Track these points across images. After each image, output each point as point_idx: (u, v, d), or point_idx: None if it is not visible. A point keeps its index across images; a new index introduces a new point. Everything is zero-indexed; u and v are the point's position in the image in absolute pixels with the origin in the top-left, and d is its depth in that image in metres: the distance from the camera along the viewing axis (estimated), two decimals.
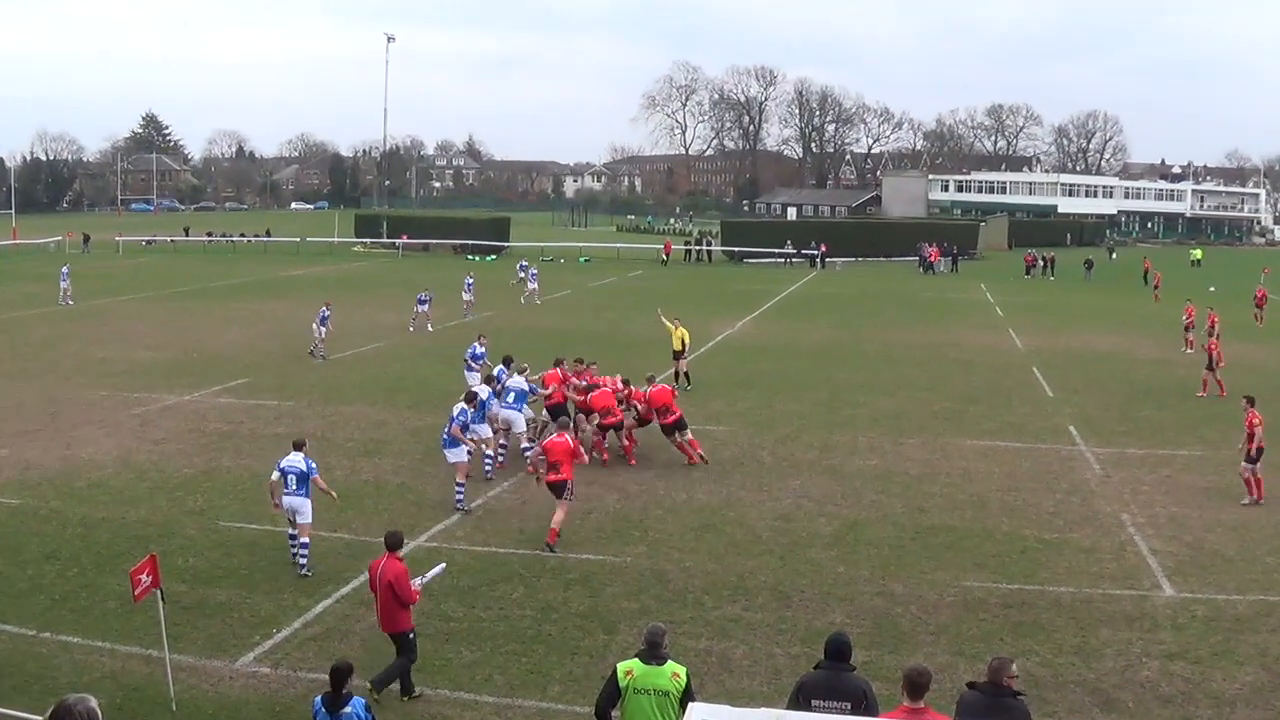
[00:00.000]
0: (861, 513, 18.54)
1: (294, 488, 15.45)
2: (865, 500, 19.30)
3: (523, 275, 55.02)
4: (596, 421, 21.16)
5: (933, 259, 76.55)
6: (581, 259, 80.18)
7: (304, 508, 15.30)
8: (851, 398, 28.74)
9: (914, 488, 20.13)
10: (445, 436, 18.35)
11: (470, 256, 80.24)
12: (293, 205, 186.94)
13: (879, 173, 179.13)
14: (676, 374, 29.47)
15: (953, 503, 19.20)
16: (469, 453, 18.36)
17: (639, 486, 19.96)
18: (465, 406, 18.73)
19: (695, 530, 17.49)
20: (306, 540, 15.38)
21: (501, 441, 21.07)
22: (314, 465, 15.67)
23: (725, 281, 65.37)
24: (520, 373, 21.65)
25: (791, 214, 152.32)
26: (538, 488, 17.58)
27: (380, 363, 33.17)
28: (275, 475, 15.59)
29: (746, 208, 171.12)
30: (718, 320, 43.95)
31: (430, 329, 40.18)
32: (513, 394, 21.03)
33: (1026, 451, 23.07)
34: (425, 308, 40.48)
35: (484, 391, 20.14)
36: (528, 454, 19.91)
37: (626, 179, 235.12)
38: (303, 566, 15.25)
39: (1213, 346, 31.20)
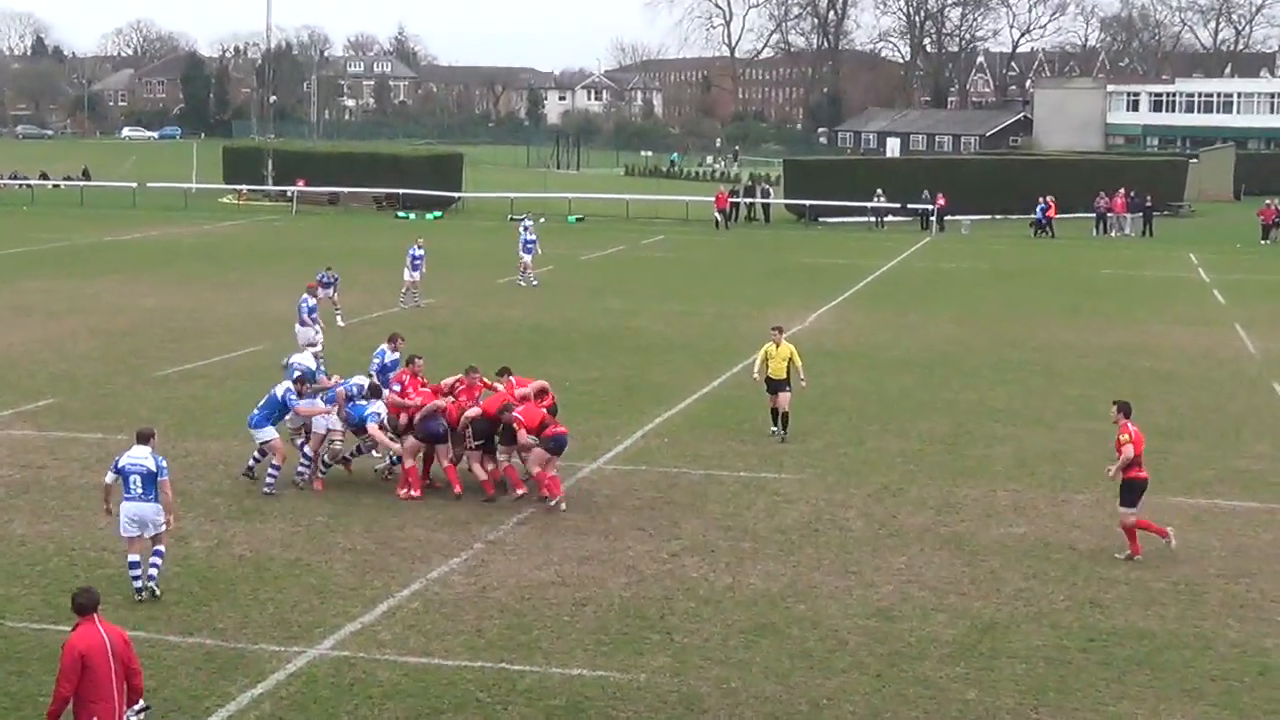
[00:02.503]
0: (1002, 608, 18.43)
1: (140, 491, 17.42)
2: (1008, 588, 19.18)
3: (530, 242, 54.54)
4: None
5: (1116, 211, 76.40)
6: (572, 218, 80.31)
7: (157, 515, 17.71)
8: (986, 430, 28.60)
9: (1084, 570, 20.00)
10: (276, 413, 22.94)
11: (402, 214, 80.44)
12: (125, 132, 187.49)
13: (1029, 84, 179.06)
14: (775, 414, 27.77)
15: (1147, 594, 19.08)
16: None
17: (658, 565, 19.85)
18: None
19: (745, 633, 17.41)
20: (162, 550, 17.94)
21: (305, 451, 23.63)
22: (164, 464, 17.97)
23: (789, 251, 65.14)
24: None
25: (892, 147, 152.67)
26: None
27: (261, 374, 33.08)
28: (110, 477, 17.66)
29: (823, 139, 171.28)
30: (779, 310, 43.80)
31: (341, 323, 40.17)
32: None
33: (1267, 515, 22.91)
34: (330, 292, 40.50)
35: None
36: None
37: (640, 96, 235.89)
38: (153, 579, 17.76)
39: None
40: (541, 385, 24.10)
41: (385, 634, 17.15)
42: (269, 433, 23.00)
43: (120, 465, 17.79)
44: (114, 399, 30.23)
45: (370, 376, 24.86)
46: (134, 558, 17.72)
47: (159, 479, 17.66)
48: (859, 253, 64.14)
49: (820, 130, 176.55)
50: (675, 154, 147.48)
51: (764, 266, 58.22)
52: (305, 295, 34.88)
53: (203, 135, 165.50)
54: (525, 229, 53.99)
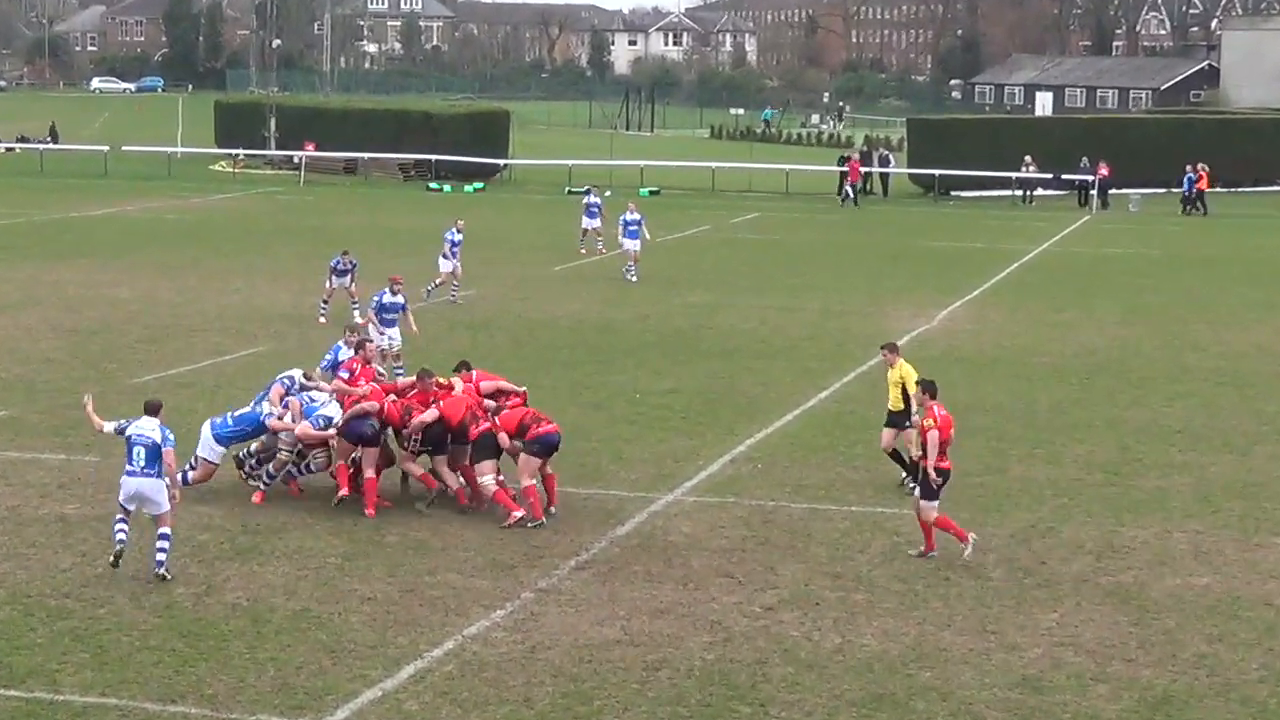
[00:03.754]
0: (1179, 678, 18.29)
1: (141, 465, 19.44)
2: (1187, 652, 19.05)
3: (592, 224, 55.02)
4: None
5: None
6: (644, 190, 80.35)
7: (159, 493, 19.80)
8: (1160, 456, 28.44)
9: None
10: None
11: (435, 185, 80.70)
12: (95, 83, 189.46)
13: (1215, 25, 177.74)
14: (906, 466, 25.67)
15: None
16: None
17: (749, 620, 19.83)
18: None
19: (857, 705, 17.35)
20: (168, 533, 20.00)
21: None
22: (171, 436, 20.05)
23: (913, 233, 64.98)
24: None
25: (1043, 104, 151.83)
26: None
27: (262, 383, 33.25)
28: (111, 427, 19.99)
29: (956, 94, 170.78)
30: (901, 306, 43.69)
31: (359, 319, 40.23)
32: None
33: None
34: (347, 280, 40.71)
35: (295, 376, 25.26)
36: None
37: (729, 40, 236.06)
38: (161, 564, 19.89)
39: None
40: (502, 385, 24.84)
41: (412, 703, 17.12)
42: (217, 454, 24.28)
43: (126, 432, 20.14)
44: (80, 412, 30.27)
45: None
46: (121, 516, 20.09)
47: (163, 449, 19.37)
48: (1001, 234, 63.93)
49: (953, 83, 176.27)
50: (768, 111, 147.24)
51: (882, 251, 58.16)
52: (384, 291, 34.71)
53: (190, 88, 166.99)
54: (593, 205, 54.19)
